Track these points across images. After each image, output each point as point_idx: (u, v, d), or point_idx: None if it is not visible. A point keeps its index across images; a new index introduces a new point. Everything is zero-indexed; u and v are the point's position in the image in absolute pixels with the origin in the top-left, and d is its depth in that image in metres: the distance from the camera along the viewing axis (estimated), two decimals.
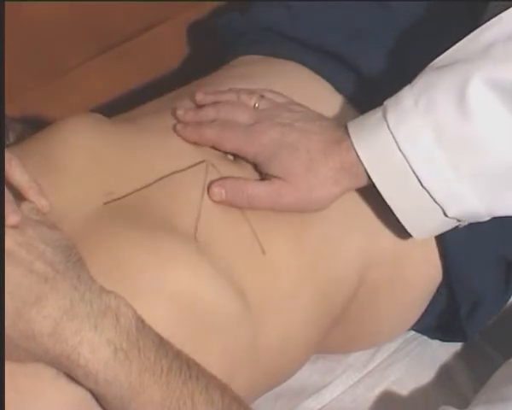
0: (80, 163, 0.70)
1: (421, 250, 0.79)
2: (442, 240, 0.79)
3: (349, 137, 0.70)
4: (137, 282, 0.63)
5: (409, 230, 0.71)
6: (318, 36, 0.85)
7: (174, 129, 0.75)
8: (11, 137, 0.84)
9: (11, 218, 0.58)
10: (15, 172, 0.63)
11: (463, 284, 0.81)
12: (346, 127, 0.71)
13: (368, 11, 0.87)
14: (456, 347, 0.92)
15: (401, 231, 0.74)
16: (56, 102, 0.97)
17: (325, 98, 0.81)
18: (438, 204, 0.68)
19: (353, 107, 0.80)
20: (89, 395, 0.59)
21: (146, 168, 0.71)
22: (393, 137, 0.67)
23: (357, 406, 0.87)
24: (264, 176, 0.73)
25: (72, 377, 0.58)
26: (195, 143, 0.74)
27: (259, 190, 0.71)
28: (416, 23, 0.86)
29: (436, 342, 0.91)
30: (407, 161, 0.67)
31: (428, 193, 0.68)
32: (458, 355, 0.91)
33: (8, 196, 0.60)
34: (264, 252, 0.70)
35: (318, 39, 0.85)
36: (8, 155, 0.63)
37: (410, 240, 0.77)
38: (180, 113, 0.76)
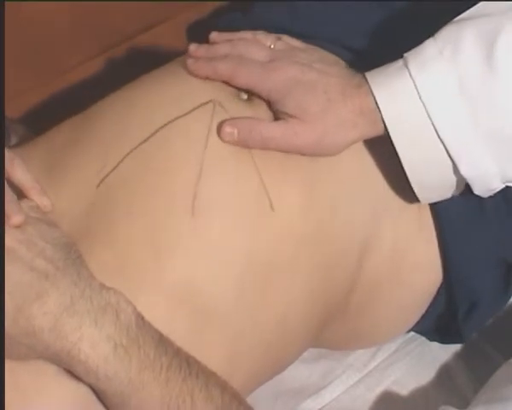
0: (78, 156, 0.69)
1: (421, 249, 0.79)
2: (443, 240, 0.79)
3: (368, 83, 0.68)
4: (136, 277, 0.63)
5: (413, 186, 0.69)
6: (322, 33, 0.85)
7: (176, 74, 0.73)
8: (13, 139, 0.84)
9: (15, 218, 0.59)
10: (17, 172, 0.64)
11: (463, 285, 0.81)
12: (363, 75, 0.69)
13: (368, 11, 0.87)
14: (456, 347, 0.91)
15: (402, 225, 0.74)
16: (56, 102, 0.97)
17: None
18: (451, 158, 0.66)
19: None
20: (90, 392, 0.60)
21: (142, 121, 0.69)
22: (414, 83, 0.65)
23: (357, 406, 0.87)
24: (278, 116, 0.70)
25: (73, 374, 0.59)
26: (205, 79, 0.72)
27: (274, 130, 0.68)
28: (415, 22, 0.86)
29: (436, 343, 0.91)
30: (425, 109, 0.65)
31: (443, 144, 0.66)
32: (458, 356, 0.91)
33: (11, 195, 0.61)
34: (272, 208, 0.68)
35: (322, 36, 0.85)
36: (10, 154, 0.64)
37: (411, 236, 0.77)
38: (192, 48, 0.74)
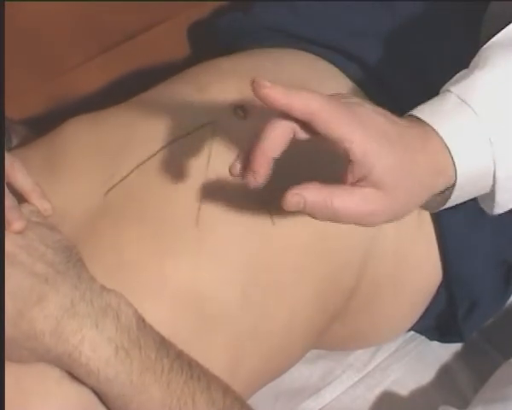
0: (81, 159, 0.70)
1: (422, 249, 0.79)
2: (442, 240, 0.79)
3: (434, 130, 0.59)
4: (140, 282, 0.63)
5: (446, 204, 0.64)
6: (322, 34, 0.85)
7: (177, 93, 0.73)
8: (14, 140, 0.84)
9: (16, 225, 0.59)
10: (18, 176, 0.64)
11: (462, 285, 0.81)
12: (417, 118, 0.60)
13: (370, 11, 0.87)
14: (456, 347, 0.91)
15: (404, 227, 0.74)
16: (56, 102, 0.97)
17: (335, 78, 0.79)
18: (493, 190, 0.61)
19: (362, 91, 0.80)
20: (93, 396, 0.60)
21: (148, 139, 0.70)
22: (489, 137, 0.59)
23: (357, 406, 0.87)
24: (349, 176, 0.57)
25: (76, 378, 0.59)
26: (202, 98, 0.71)
27: (349, 205, 0.56)
28: (417, 22, 0.86)
29: (436, 342, 0.91)
30: (494, 162, 0.59)
31: (494, 183, 0.61)
32: (458, 355, 0.91)
33: (12, 201, 0.61)
34: (273, 223, 0.68)
35: (323, 37, 0.85)
36: (10, 158, 0.64)
37: (412, 237, 0.77)
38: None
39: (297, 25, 0.88)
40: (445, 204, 0.62)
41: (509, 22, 0.66)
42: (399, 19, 0.86)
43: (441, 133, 0.58)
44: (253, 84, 0.55)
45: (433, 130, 0.59)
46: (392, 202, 0.57)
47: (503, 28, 0.66)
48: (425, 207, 0.63)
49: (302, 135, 0.57)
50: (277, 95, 0.55)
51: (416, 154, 0.58)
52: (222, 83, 0.74)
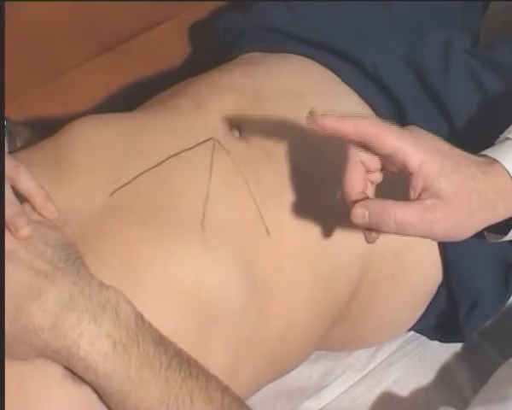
0: (88, 159, 0.70)
1: (422, 249, 0.79)
2: None
3: (494, 159, 0.62)
4: (144, 280, 0.64)
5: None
6: (321, 35, 0.85)
7: (179, 108, 0.75)
8: (18, 142, 0.84)
9: (23, 231, 0.60)
10: (22, 179, 0.64)
11: (463, 284, 0.81)
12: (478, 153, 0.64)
13: (369, 11, 0.88)
14: (456, 347, 0.91)
15: None
16: (56, 102, 0.97)
17: (329, 83, 0.80)
18: None
19: (359, 97, 0.80)
20: (96, 396, 0.60)
21: (153, 147, 0.71)
22: None
23: (357, 406, 0.87)
24: (413, 194, 0.61)
25: (79, 379, 0.59)
26: (202, 117, 0.74)
27: (411, 215, 0.60)
28: (416, 23, 0.86)
29: (436, 342, 0.91)
30: None
31: None
32: (458, 355, 0.91)
33: (18, 207, 0.61)
34: (268, 233, 0.70)
35: (321, 38, 0.85)
36: (15, 162, 0.64)
37: (412, 238, 0.77)
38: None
39: (296, 26, 0.88)
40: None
41: (509, 22, 0.67)
42: (398, 20, 0.86)
43: (502, 161, 0.61)
44: (309, 118, 0.61)
45: (494, 158, 0.62)
46: (454, 211, 0.60)
47: (503, 28, 0.67)
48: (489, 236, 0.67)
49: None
50: (331, 123, 0.60)
51: (474, 171, 0.61)
52: (220, 101, 0.76)
